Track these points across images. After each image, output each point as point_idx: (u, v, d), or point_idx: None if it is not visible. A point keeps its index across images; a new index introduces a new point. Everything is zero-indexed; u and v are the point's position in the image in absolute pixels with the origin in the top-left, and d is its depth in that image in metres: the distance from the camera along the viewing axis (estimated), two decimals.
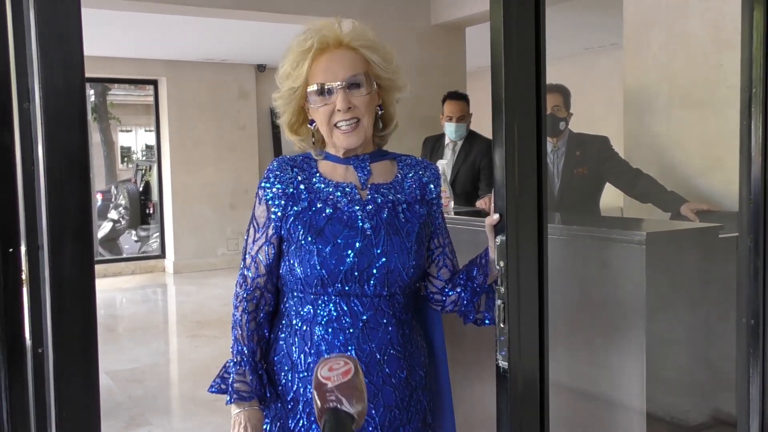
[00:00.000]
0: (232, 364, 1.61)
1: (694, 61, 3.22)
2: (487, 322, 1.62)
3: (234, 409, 1.59)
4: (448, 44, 5.11)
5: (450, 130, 3.98)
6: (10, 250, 0.96)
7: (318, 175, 1.60)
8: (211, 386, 1.64)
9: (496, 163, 1.27)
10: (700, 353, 2.17)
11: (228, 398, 1.59)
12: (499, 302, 1.30)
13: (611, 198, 3.53)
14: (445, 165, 3.42)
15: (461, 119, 3.96)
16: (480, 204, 3.14)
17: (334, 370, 1.07)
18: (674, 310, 2.06)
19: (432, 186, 1.64)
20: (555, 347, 1.47)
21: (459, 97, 4.04)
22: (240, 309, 1.61)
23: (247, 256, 1.63)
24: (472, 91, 5.60)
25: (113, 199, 11.08)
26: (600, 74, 7.29)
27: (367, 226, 1.54)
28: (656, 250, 1.95)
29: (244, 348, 1.59)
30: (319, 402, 1.06)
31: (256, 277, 1.62)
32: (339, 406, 1.04)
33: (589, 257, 2.10)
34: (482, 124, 4.38)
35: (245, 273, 1.63)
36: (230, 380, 1.59)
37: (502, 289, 1.29)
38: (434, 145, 4.16)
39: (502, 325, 1.31)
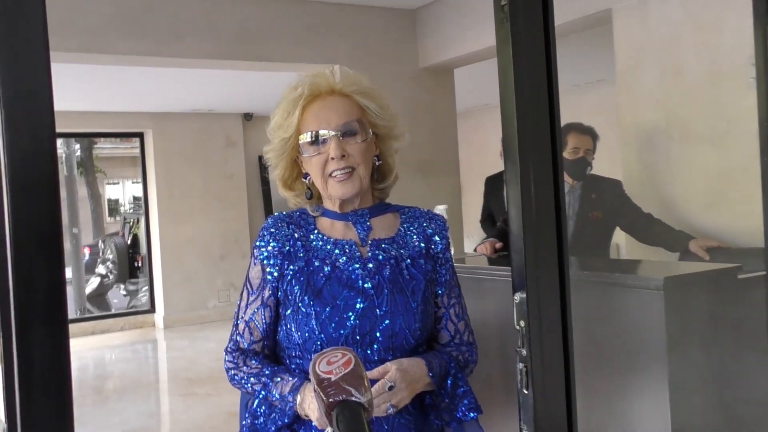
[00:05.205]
0: (258, 390, 1.45)
1: (690, 96, 3.16)
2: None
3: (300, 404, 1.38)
4: (437, 86, 5.07)
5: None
6: None
7: (316, 231, 1.50)
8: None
9: (511, 215, 1.16)
10: (724, 399, 2.05)
11: (286, 412, 1.39)
12: (521, 366, 1.18)
13: None
14: (443, 210, 3.27)
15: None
16: (481, 249, 3.03)
17: (333, 363, 1.04)
18: (696, 356, 1.95)
19: (437, 238, 1.53)
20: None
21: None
22: (236, 369, 1.49)
23: (239, 322, 1.51)
24: (461, 132, 5.54)
25: (101, 254, 10.91)
26: (587, 110, 7.23)
27: (368, 285, 1.42)
28: (675, 294, 1.84)
29: (260, 368, 1.46)
30: (324, 398, 1.00)
31: (251, 344, 1.49)
32: (348, 397, 1.00)
33: (603, 304, 1.98)
34: (472, 163, 4.32)
35: (237, 339, 1.51)
36: (271, 396, 1.42)
37: (524, 352, 1.17)
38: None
39: (525, 391, 1.18)
